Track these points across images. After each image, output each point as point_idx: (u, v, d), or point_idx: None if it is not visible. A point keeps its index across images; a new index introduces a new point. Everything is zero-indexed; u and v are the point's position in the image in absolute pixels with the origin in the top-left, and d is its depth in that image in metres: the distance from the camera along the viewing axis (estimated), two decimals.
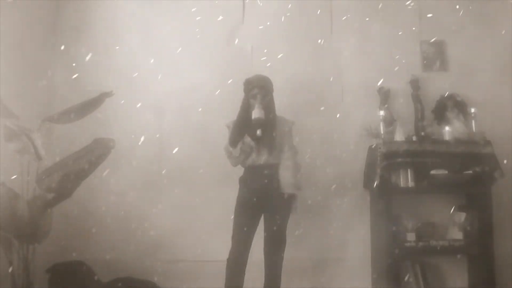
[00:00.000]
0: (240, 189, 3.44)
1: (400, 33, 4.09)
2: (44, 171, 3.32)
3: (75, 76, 3.92)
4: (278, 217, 3.32)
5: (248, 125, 3.32)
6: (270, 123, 3.34)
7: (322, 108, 4.07)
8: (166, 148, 4.06)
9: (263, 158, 3.37)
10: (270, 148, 3.34)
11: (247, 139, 3.32)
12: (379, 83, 4.04)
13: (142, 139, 4.02)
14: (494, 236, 3.69)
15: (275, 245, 3.34)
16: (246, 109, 3.38)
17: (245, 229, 3.31)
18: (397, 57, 4.08)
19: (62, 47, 4.06)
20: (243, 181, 3.44)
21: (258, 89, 3.35)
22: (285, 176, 3.35)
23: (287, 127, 3.45)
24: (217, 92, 3.98)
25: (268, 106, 3.36)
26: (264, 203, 3.34)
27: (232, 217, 3.38)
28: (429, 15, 4.13)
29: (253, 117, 3.26)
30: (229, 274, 3.31)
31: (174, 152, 3.97)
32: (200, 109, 4.05)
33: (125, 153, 3.86)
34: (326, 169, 3.99)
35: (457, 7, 4.12)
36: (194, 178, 3.99)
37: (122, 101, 3.87)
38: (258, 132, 3.25)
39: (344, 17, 4.18)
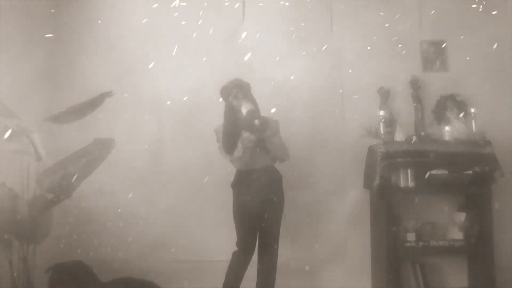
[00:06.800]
0: (235, 195, 3.38)
1: (400, 33, 4.09)
2: (44, 171, 3.33)
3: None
4: (273, 215, 3.34)
5: (239, 126, 3.28)
6: (261, 120, 3.28)
7: (322, 108, 4.07)
8: (166, 148, 4.06)
9: (258, 161, 3.33)
10: (266, 149, 3.32)
11: (246, 134, 3.27)
12: (379, 83, 4.04)
13: (141, 139, 4.03)
14: (494, 236, 3.69)
15: (268, 241, 3.34)
16: (231, 113, 3.31)
17: (248, 235, 3.32)
18: (397, 57, 4.07)
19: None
20: (237, 186, 3.38)
21: (237, 88, 3.32)
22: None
23: (275, 126, 3.39)
24: (216, 93, 3.98)
25: (254, 102, 3.32)
26: (262, 206, 3.32)
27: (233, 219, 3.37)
28: (430, 15, 4.13)
29: (245, 112, 3.20)
30: (231, 277, 3.32)
31: (174, 153, 3.99)
32: (199, 110, 4.04)
33: (125, 153, 3.85)
34: (326, 169, 3.99)
35: (458, 6, 4.12)
36: (194, 178, 3.98)
37: (122, 101, 3.87)
38: (256, 121, 3.19)
39: (344, 17, 4.17)
